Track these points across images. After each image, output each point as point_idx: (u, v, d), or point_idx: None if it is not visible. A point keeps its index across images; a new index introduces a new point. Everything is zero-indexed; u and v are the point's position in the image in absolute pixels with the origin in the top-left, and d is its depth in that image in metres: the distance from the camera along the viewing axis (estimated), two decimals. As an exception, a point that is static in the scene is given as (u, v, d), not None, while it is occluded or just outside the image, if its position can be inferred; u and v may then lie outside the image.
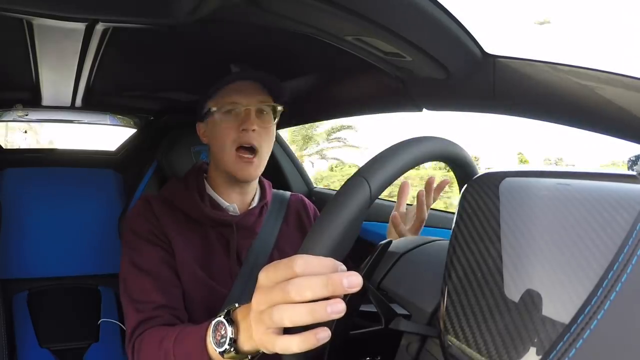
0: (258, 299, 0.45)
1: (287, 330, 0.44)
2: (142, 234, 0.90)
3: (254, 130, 0.90)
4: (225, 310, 0.56)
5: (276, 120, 0.97)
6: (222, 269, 0.93)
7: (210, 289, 0.90)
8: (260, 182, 1.05)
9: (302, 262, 0.42)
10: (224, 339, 0.54)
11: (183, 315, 0.85)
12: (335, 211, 0.46)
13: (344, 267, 0.43)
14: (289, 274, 0.42)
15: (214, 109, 0.91)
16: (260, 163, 0.95)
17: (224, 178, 0.97)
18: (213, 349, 0.56)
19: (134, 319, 0.81)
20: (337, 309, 0.40)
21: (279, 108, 0.96)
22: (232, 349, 0.53)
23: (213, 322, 0.57)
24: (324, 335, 0.42)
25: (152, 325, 0.80)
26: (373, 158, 0.50)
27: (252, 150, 0.92)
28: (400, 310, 0.53)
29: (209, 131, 0.97)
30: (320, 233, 0.45)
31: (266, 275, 0.45)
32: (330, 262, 0.43)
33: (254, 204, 1.01)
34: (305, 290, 0.41)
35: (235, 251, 0.95)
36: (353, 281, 0.41)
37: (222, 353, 0.54)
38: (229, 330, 0.53)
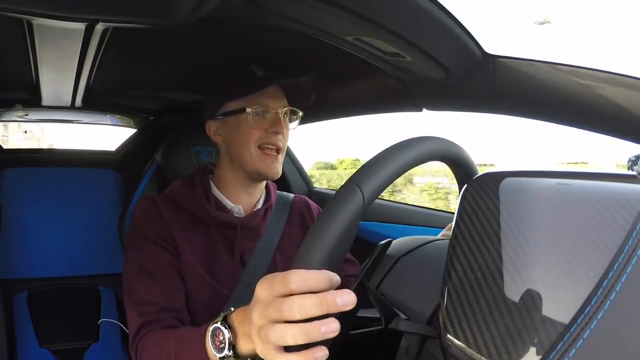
0: (257, 314, 0.46)
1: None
2: (148, 234, 0.90)
3: (282, 133, 0.93)
4: (222, 315, 0.57)
5: (297, 123, 1.00)
6: (226, 270, 0.93)
7: (213, 290, 0.90)
8: (266, 184, 1.05)
9: (297, 278, 0.43)
10: (223, 345, 0.55)
11: (185, 318, 0.85)
12: (328, 220, 0.45)
13: (338, 278, 0.44)
14: (285, 290, 0.43)
15: (248, 109, 0.91)
16: (281, 161, 0.96)
17: (238, 178, 0.97)
18: (213, 354, 0.57)
19: (137, 322, 0.82)
20: (331, 329, 0.42)
21: (300, 113, 0.99)
22: (231, 354, 0.55)
23: (211, 328, 0.58)
24: (321, 354, 0.43)
25: (154, 328, 0.80)
26: (366, 163, 0.50)
27: (277, 149, 0.94)
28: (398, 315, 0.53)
29: (226, 130, 0.96)
30: (314, 243, 0.45)
31: (263, 289, 0.46)
32: (324, 275, 0.43)
33: (259, 205, 1.01)
34: (299, 311, 0.42)
35: (239, 253, 0.94)
36: (346, 300, 0.42)
37: (222, 358, 0.56)
38: (227, 336, 0.55)
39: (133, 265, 0.88)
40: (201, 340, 0.62)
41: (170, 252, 0.89)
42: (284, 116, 0.94)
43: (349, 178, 0.49)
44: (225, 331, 0.55)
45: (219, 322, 0.57)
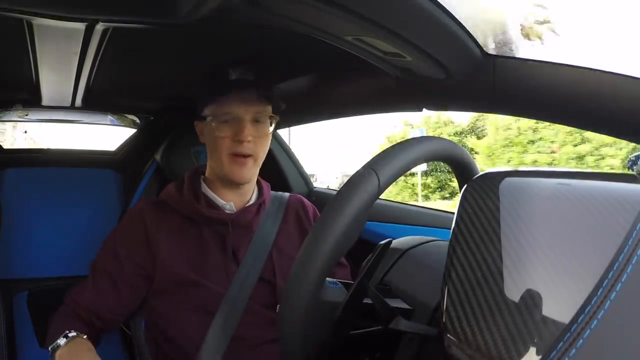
0: None
1: None
2: (114, 244, 0.96)
3: (248, 141, 0.92)
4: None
5: (272, 128, 0.98)
6: (218, 268, 0.93)
7: (203, 288, 0.90)
8: (258, 182, 1.05)
9: None
10: (55, 343, 0.84)
11: (103, 321, 0.94)
12: (344, 200, 0.46)
13: None
14: None
15: (209, 118, 0.93)
16: (255, 165, 0.96)
17: (219, 178, 0.99)
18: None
19: (65, 299, 0.97)
20: None
21: (277, 117, 0.97)
22: (50, 353, 0.83)
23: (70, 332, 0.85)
24: None
25: (68, 308, 0.95)
26: (383, 151, 0.52)
27: (246, 155, 0.93)
28: (403, 305, 0.54)
29: (204, 133, 0.98)
30: (329, 220, 0.46)
31: None
32: None
33: (251, 202, 1.01)
34: None
35: (231, 249, 0.95)
36: None
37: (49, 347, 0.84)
38: (58, 343, 0.83)
39: (91, 262, 0.98)
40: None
41: (131, 265, 0.93)
42: (253, 122, 0.93)
43: (365, 163, 0.50)
44: (64, 339, 0.84)
45: (72, 332, 0.85)
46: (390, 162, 0.50)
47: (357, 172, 0.49)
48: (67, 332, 0.85)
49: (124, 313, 0.97)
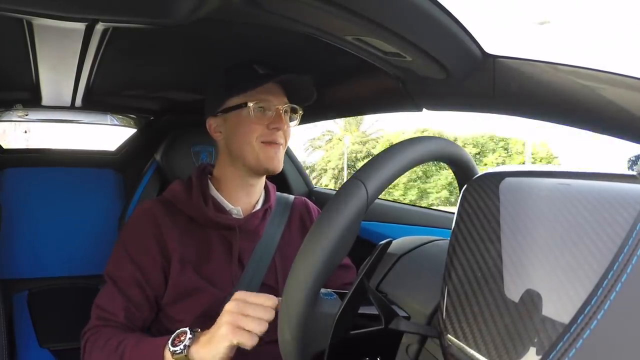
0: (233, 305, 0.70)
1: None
2: (131, 249, 0.91)
3: (284, 130, 0.94)
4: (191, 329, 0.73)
5: (297, 122, 1.00)
6: (223, 273, 0.92)
7: (208, 294, 0.89)
8: (265, 185, 1.05)
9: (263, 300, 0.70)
10: (181, 343, 0.71)
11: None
12: (332, 215, 0.46)
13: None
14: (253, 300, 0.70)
15: (250, 104, 0.92)
16: (282, 156, 0.97)
17: (238, 175, 0.97)
18: (168, 350, 0.71)
19: (94, 321, 0.89)
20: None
21: (301, 111, 0.99)
22: (182, 353, 0.70)
23: (177, 332, 0.73)
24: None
25: (108, 325, 0.86)
26: (370, 160, 0.51)
27: (278, 143, 0.94)
28: (399, 312, 0.53)
29: (227, 126, 0.96)
30: (318, 237, 0.45)
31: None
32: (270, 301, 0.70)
33: (258, 206, 1.00)
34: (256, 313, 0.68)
35: (238, 254, 0.94)
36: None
37: (172, 352, 0.70)
38: (189, 336, 0.71)
39: (108, 274, 0.91)
40: (161, 343, 0.73)
41: (156, 270, 0.90)
42: (284, 113, 0.94)
43: (353, 174, 0.49)
44: (189, 334, 0.71)
45: (188, 329, 0.72)
46: (379, 170, 0.49)
47: (345, 184, 0.49)
48: (189, 330, 0.73)
49: (149, 321, 0.92)
